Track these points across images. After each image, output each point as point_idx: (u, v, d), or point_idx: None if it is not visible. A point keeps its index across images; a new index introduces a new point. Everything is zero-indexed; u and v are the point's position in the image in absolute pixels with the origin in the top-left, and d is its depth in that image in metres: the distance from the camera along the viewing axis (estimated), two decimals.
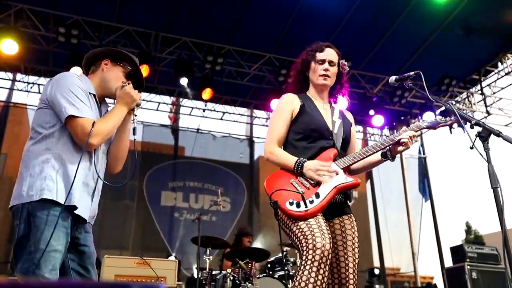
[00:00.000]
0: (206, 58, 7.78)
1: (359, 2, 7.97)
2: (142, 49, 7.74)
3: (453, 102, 2.20)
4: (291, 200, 2.14)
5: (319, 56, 2.51)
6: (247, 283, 4.93)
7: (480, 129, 1.78)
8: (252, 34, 8.40)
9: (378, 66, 9.24)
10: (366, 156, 2.29)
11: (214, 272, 5.52)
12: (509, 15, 8.42)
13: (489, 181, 1.71)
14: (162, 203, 10.31)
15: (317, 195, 2.14)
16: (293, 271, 5.63)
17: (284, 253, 5.57)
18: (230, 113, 10.88)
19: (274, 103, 8.72)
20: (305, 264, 2.00)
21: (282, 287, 5.19)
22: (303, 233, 2.06)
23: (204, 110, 10.64)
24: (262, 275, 5.28)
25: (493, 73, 9.81)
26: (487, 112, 9.81)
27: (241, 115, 11.11)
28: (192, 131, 10.76)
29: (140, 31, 7.96)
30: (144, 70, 7.51)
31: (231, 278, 5.14)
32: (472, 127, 1.84)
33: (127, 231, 9.97)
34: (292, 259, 5.65)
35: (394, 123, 10.71)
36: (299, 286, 2.00)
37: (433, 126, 2.34)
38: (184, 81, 7.83)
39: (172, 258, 7.92)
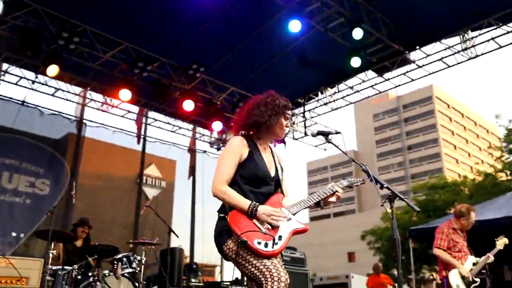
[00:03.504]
0: (61, 34, 7.15)
1: (217, 12, 8.34)
2: None
3: (366, 164, 2.71)
4: (259, 240, 2.44)
5: (288, 114, 2.82)
6: (97, 281, 4.88)
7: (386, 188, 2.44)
8: (113, 18, 8.06)
9: (226, 75, 9.89)
10: (311, 204, 2.72)
11: (54, 268, 5.24)
12: (335, 55, 9.96)
13: (393, 233, 2.35)
14: None
15: (280, 238, 2.50)
16: (138, 269, 5.75)
17: (131, 252, 5.63)
18: (63, 91, 10.07)
19: (124, 93, 8.52)
20: None
21: (130, 285, 5.28)
22: (267, 267, 2.40)
23: (33, 82, 9.60)
24: (109, 273, 5.25)
25: (313, 100, 11.47)
26: (305, 133, 11.44)
27: (76, 94, 10.39)
28: (16, 102, 9.57)
29: None
30: None
31: (78, 274, 5.02)
32: (381, 188, 2.48)
33: None
34: (138, 257, 5.74)
35: (229, 128, 11.53)
36: None
37: (351, 185, 2.94)
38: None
39: None
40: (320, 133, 2.98)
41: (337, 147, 2.91)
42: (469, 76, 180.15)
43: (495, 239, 5.15)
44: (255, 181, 2.69)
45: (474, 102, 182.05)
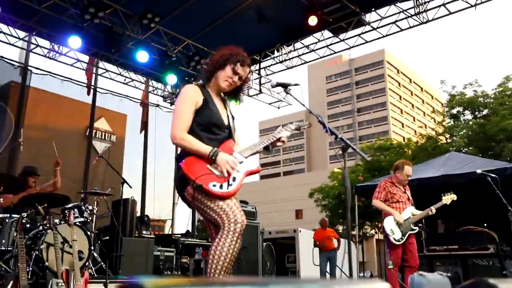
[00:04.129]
0: None
1: None
2: None
3: (322, 116, 2.76)
4: (214, 183, 2.51)
5: (238, 69, 2.80)
6: (48, 229, 4.84)
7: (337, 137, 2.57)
8: None
9: (182, 27, 9.63)
10: (261, 148, 2.80)
11: (1, 216, 5.12)
12: (292, 12, 9.92)
13: (344, 181, 2.50)
14: None
15: (234, 179, 2.58)
16: (90, 219, 5.74)
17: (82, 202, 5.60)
18: (6, 34, 9.47)
19: (73, 40, 8.13)
20: (228, 234, 2.44)
21: (82, 233, 5.27)
22: (223, 209, 2.49)
23: None
24: (60, 222, 5.20)
25: (269, 58, 11.46)
26: (260, 90, 11.48)
27: (20, 39, 9.79)
28: None
29: None
30: None
31: (27, 222, 4.94)
32: (335, 139, 2.60)
33: None
34: (90, 207, 5.72)
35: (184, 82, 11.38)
36: (223, 252, 2.42)
37: (299, 128, 3.03)
38: None
39: None
40: (279, 84, 3.05)
41: (295, 98, 2.99)
42: (419, 42, 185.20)
43: (442, 194, 5.32)
44: (211, 128, 2.74)
45: (422, 67, 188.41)
